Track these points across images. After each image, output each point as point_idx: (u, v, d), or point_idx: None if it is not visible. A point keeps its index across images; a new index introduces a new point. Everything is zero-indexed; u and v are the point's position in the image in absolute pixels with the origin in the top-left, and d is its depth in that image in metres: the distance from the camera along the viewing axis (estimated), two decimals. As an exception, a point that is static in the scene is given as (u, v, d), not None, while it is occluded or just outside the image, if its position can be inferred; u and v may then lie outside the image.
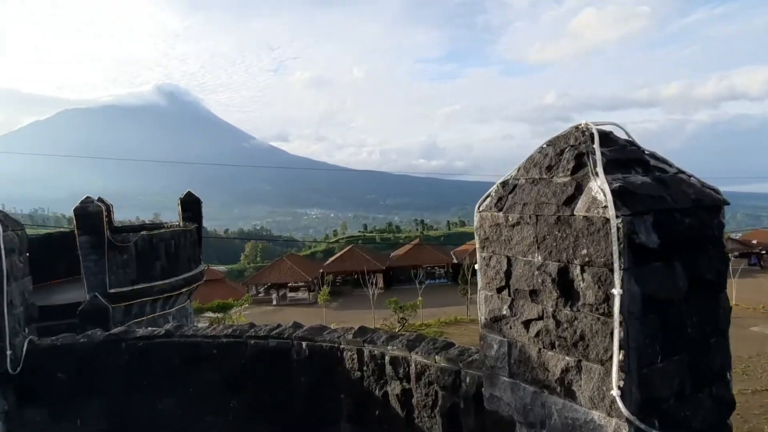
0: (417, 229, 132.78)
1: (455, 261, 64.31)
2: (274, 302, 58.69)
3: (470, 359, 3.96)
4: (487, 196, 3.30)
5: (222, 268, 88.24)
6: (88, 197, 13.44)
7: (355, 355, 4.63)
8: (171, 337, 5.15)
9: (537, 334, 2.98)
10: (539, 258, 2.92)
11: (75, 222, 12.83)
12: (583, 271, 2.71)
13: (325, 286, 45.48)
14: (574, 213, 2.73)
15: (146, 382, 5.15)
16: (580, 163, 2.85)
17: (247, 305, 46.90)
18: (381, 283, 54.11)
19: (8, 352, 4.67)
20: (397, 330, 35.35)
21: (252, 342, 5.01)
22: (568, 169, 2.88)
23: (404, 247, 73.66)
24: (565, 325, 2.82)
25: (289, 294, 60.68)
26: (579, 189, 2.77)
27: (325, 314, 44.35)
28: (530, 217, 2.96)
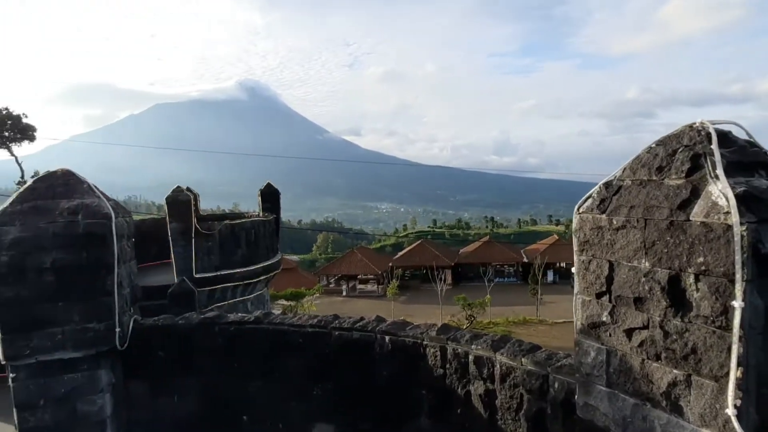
0: (486, 227, 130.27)
1: (525, 260, 62.53)
2: (344, 293, 59.97)
3: (559, 364, 3.84)
4: (588, 198, 3.17)
5: (295, 257, 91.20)
6: (178, 186, 14.26)
7: (438, 352, 4.64)
8: (260, 324, 5.39)
9: (641, 344, 2.83)
10: (647, 264, 2.77)
11: (166, 209, 13.68)
12: (697, 280, 2.53)
13: (394, 280, 45.81)
14: (690, 218, 2.56)
15: (236, 365, 5.43)
16: (696, 164, 2.67)
17: (318, 295, 48.24)
18: (449, 279, 53.73)
19: (117, 330, 5.08)
20: (465, 327, 34.99)
21: (336, 333, 5.15)
22: (682, 171, 2.70)
23: (474, 243, 72.61)
24: (675, 337, 2.66)
25: (359, 286, 61.72)
26: (695, 192, 2.59)
27: (393, 307, 44.70)
28: (638, 221, 2.81)
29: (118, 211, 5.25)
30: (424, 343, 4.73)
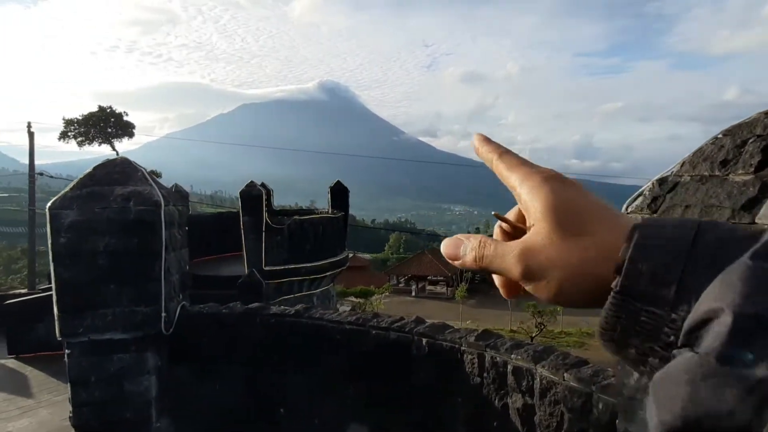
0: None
1: (607, 269, 59.09)
2: (413, 293, 59.85)
3: (605, 383, 3.43)
4: (639, 195, 2.77)
5: (367, 256, 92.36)
6: (252, 181, 14.76)
7: (476, 359, 4.33)
8: (300, 318, 5.34)
9: (692, 368, 2.41)
10: (702, 274, 2.35)
11: (240, 203, 14.19)
12: (764, 295, 2.10)
13: (463, 283, 45.03)
14: (756, 221, 2.13)
15: (276, 358, 5.42)
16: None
17: (387, 294, 48.46)
18: (522, 285, 51.97)
19: (163, 315, 5.24)
20: (534, 335, 33.59)
21: (374, 332, 4.98)
22: (750, 165, 2.26)
23: (550, 249, 69.82)
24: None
25: (428, 287, 61.37)
26: (764, 190, 2.15)
27: (462, 310, 43.95)
28: (693, 223, 2.39)
29: (170, 199, 5.39)
30: (462, 348, 4.44)
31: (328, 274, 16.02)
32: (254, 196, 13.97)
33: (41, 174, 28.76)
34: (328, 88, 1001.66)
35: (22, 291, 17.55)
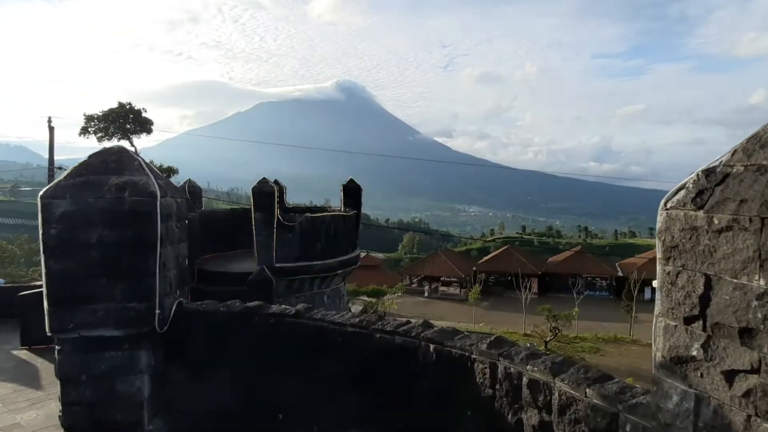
0: (579, 236, 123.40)
1: (620, 274, 58.10)
2: (426, 294, 59.40)
3: (634, 401, 3.05)
4: (681, 188, 2.39)
5: (380, 255, 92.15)
6: (264, 178, 14.56)
7: (488, 369, 3.98)
8: (300, 318, 5.03)
9: (746, 394, 2.03)
10: (762, 282, 1.98)
11: (252, 199, 14.01)
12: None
13: (476, 285, 44.47)
14: None
15: (274, 359, 5.12)
16: None
17: (399, 293, 48.07)
18: (535, 288, 51.23)
19: (157, 311, 4.96)
20: (548, 339, 32.94)
21: (377, 336, 4.65)
22: (825, 153, 1.88)
23: (563, 253, 68.84)
24: (800, 389, 1.85)
25: (441, 288, 60.86)
26: None
27: (475, 312, 43.41)
28: (751, 221, 2.02)
29: (167, 190, 5.12)
30: (473, 356, 4.08)
31: (339, 272, 15.77)
32: (266, 192, 13.79)
33: (60, 168, 28.98)
34: (345, 88, 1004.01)
35: (39, 283, 17.61)
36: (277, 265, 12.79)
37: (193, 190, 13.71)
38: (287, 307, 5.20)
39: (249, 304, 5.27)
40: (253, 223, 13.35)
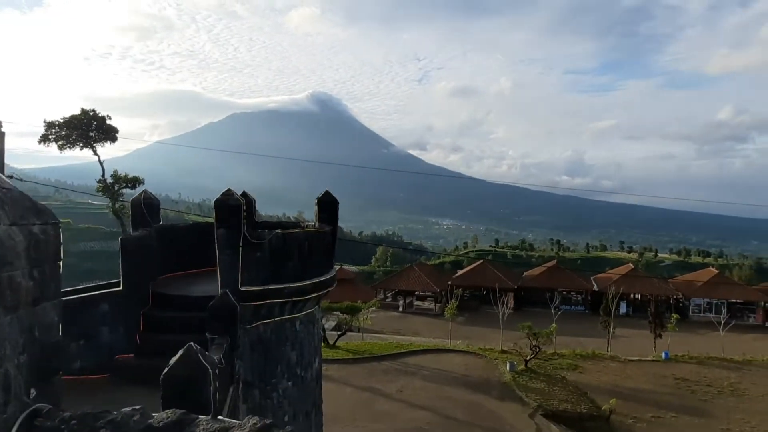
0: (552, 249, 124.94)
1: (595, 288, 58.51)
2: (401, 309, 58.54)
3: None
4: None
5: (354, 268, 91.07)
6: (229, 189, 13.30)
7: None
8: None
9: None
10: None
11: (214, 213, 12.73)
12: None
13: (453, 300, 43.81)
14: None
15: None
16: None
17: (374, 309, 47.04)
18: (511, 303, 50.95)
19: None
20: (528, 358, 32.39)
21: None
22: None
23: (539, 267, 69.09)
24: None
25: (416, 302, 60.13)
26: None
27: (451, 328, 42.72)
28: None
29: (10, 214, 3.05)
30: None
31: (313, 296, 14.60)
32: (231, 205, 12.40)
33: (11, 177, 27.20)
34: (320, 100, 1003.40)
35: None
36: (243, 288, 11.58)
37: (149, 202, 12.40)
38: (224, 422, 2.72)
39: (159, 419, 2.81)
40: (216, 241, 12.13)
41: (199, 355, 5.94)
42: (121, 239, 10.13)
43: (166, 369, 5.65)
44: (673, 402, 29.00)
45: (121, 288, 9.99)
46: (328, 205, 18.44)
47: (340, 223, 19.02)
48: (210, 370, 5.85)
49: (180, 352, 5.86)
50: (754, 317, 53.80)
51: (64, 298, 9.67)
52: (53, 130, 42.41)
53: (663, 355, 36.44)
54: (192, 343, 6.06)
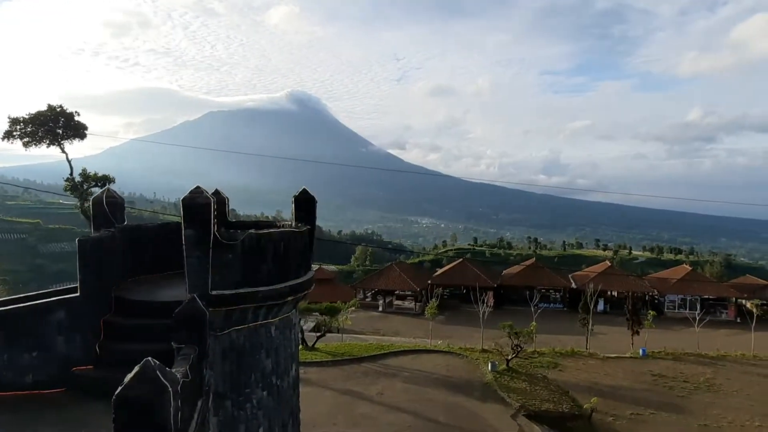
0: (529, 247, 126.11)
1: (574, 286, 58.99)
2: (380, 308, 58.06)
3: None
4: None
5: (333, 267, 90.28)
6: (198, 187, 12.39)
7: None
8: None
9: None
10: None
11: (181, 212, 11.83)
12: None
13: (433, 299, 43.49)
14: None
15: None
16: None
17: (353, 309, 46.46)
18: (491, 301, 50.91)
19: None
20: (510, 357, 32.20)
21: None
22: None
23: (518, 266, 69.40)
24: None
25: (396, 302, 59.73)
26: None
27: (432, 327, 42.42)
28: None
29: None
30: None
31: (289, 299, 13.82)
32: (199, 204, 11.39)
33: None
34: (299, 99, 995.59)
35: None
36: (214, 292, 10.80)
37: (112, 201, 11.56)
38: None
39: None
40: (184, 243, 11.28)
41: (158, 372, 5.31)
42: (78, 240, 9.34)
43: (119, 389, 5.04)
44: (651, 399, 29.12)
45: (78, 294, 9.20)
46: (305, 203, 17.71)
47: (318, 222, 18.38)
48: (170, 389, 5.25)
49: (135, 369, 5.23)
50: (727, 313, 54.81)
51: (13, 306, 8.72)
52: (17, 127, 40.66)
53: (641, 351, 36.72)
54: (149, 358, 5.40)
